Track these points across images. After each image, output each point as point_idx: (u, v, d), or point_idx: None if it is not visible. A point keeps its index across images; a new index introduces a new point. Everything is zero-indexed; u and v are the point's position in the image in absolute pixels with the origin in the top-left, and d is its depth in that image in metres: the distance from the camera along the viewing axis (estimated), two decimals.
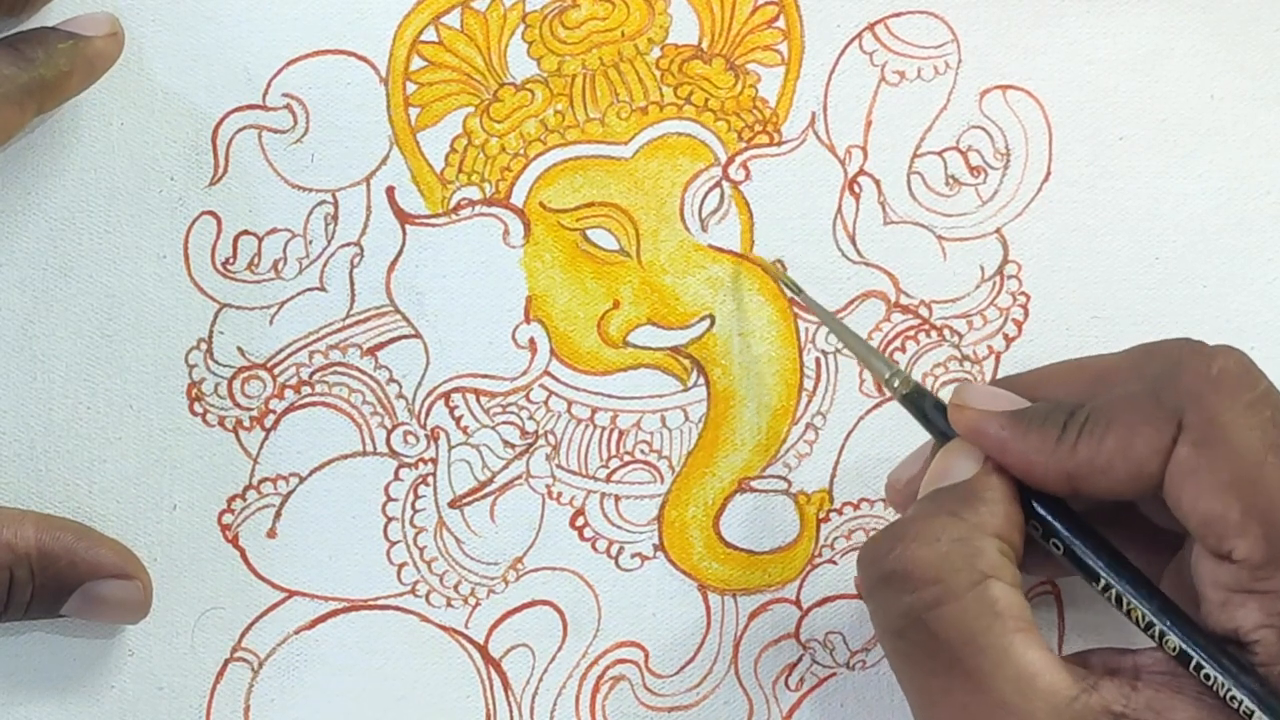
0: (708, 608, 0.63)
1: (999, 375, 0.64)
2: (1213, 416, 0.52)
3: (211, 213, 0.60)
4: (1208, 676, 0.52)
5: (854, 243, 0.63)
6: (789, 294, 0.62)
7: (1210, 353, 0.54)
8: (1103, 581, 0.54)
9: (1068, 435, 0.54)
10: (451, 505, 0.61)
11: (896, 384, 0.58)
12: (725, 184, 0.62)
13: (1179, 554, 0.56)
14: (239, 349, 0.60)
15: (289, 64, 0.60)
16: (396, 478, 0.61)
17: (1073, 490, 0.54)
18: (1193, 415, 0.52)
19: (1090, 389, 0.55)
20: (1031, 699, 0.52)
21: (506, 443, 0.62)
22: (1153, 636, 0.53)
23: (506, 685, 0.62)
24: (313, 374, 0.61)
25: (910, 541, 0.54)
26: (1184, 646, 0.53)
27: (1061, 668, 0.52)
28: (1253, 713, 0.51)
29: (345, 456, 0.61)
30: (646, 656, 0.62)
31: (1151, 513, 0.56)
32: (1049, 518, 0.55)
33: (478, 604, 0.62)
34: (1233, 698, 0.51)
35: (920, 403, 0.58)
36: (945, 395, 0.58)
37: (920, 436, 0.59)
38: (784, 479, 0.63)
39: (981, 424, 0.56)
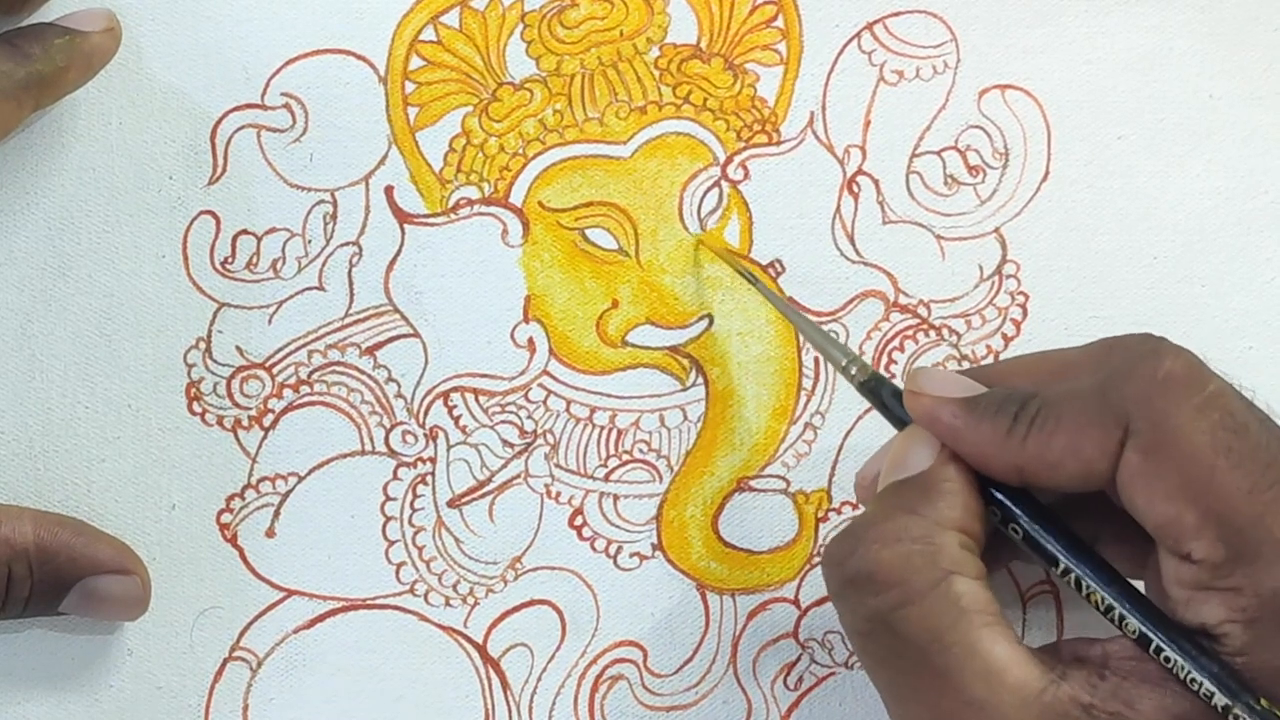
0: (706, 607, 0.63)
1: None
2: (1161, 420, 0.52)
3: (210, 212, 0.60)
4: (1168, 660, 0.52)
5: (853, 242, 0.63)
6: (746, 279, 0.61)
7: (1159, 354, 0.53)
8: (1062, 565, 0.54)
9: (1018, 428, 0.53)
10: (450, 504, 0.61)
11: (854, 371, 0.58)
12: (724, 183, 0.62)
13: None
14: (238, 348, 0.60)
15: (288, 63, 0.60)
16: (395, 477, 0.61)
17: (1024, 482, 0.54)
18: (1140, 419, 0.52)
19: (1051, 382, 0.55)
20: (1000, 693, 0.52)
21: (505, 442, 0.62)
22: (1113, 621, 0.53)
23: (505, 684, 0.62)
24: (311, 373, 0.61)
25: (871, 543, 0.53)
26: (1144, 629, 0.52)
27: (1029, 660, 0.52)
28: (1213, 694, 0.51)
29: (344, 456, 0.61)
30: (645, 656, 0.62)
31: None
32: (1007, 503, 0.55)
33: (476, 603, 0.61)
34: (1193, 680, 0.51)
35: (878, 390, 0.58)
36: None
37: None
38: (783, 478, 0.63)
39: (935, 410, 0.55)
